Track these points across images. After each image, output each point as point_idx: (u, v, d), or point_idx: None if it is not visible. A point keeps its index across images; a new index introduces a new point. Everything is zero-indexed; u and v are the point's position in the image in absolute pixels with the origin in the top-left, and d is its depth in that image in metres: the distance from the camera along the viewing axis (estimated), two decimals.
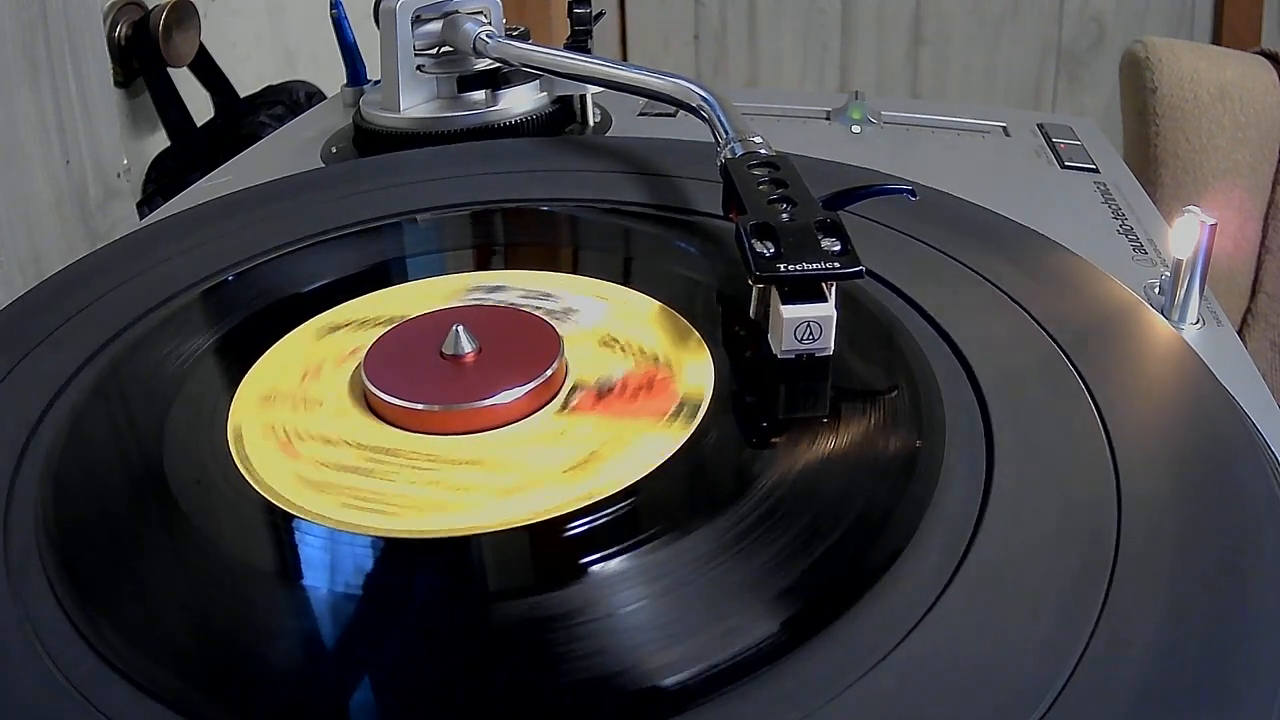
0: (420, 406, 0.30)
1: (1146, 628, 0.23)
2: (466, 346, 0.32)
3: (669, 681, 0.22)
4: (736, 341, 0.34)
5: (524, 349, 0.32)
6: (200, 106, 0.83)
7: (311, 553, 0.27)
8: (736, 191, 0.36)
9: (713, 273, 0.39)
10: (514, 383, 0.31)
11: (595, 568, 0.25)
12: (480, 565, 0.27)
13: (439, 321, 0.33)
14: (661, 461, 0.29)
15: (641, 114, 0.60)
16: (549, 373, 0.31)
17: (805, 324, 0.31)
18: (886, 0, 1.41)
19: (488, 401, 0.30)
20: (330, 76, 0.77)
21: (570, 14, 0.57)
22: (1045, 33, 1.41)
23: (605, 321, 0.35)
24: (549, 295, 0.37)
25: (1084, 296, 0.36)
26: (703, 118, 0.44)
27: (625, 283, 0.38)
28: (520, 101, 0.56)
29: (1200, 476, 0.28)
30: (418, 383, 0.31)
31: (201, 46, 0.82)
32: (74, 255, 0.44)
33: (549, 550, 0.27)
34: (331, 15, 0.64)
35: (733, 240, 0.33)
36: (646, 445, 0.29)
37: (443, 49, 0.56)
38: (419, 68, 0.55)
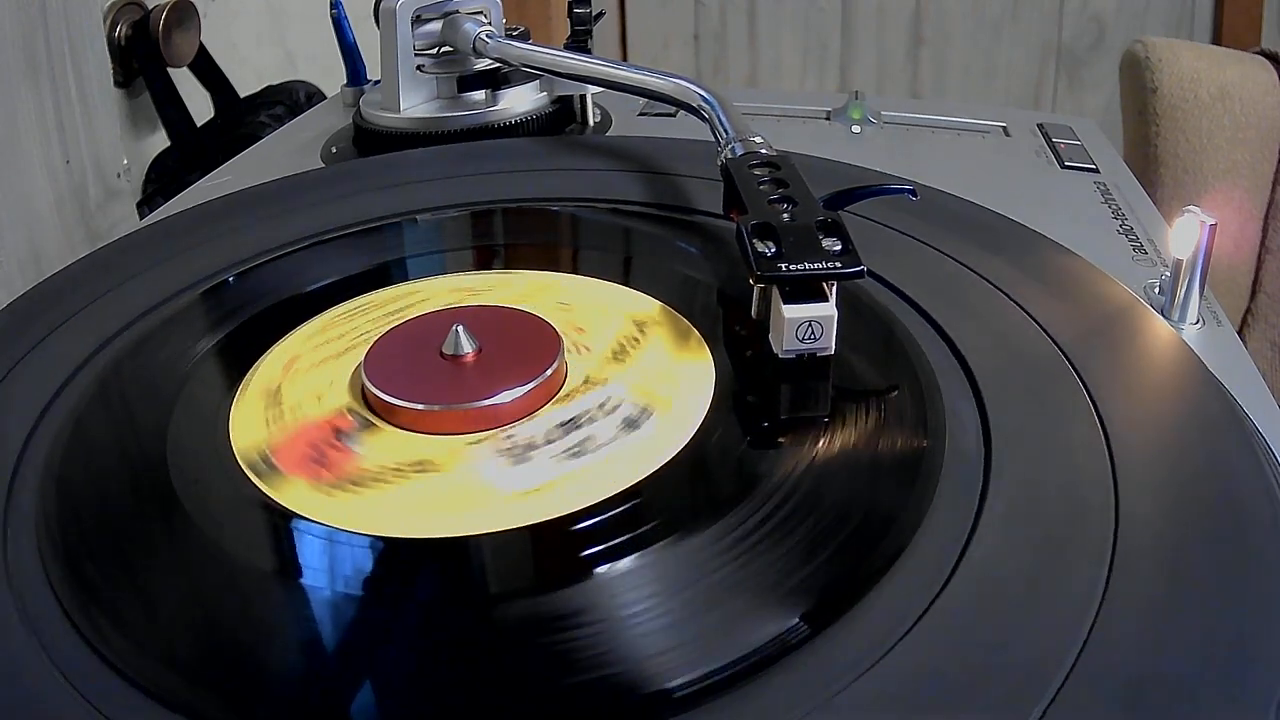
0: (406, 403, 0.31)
1: (1145, 627, 0.23)
2: (466, 347, 0.32)
3: (665, 685, 0.22)
4: (737, 341, 0.34)
5: (524, 349, 0.32)
6: (200, 106, 0.83)
7: (308, 552, 0.27)
8: (737, 191, 0.36)
9: (714, 272, 0.39)
10: (513, 383, 0.31)
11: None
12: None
13: (439, 321, 0.33)
14: None
15: (641, 114, 0.60)
16: (548, 373, 0.31)
17: (807, 324, 0.31)
18: (886, 0, 1.41)
19: (486, 402, 0.30)
20: (330, 76, 0.77)
21: (570, 14, 0.57)
22: (1045, 33, 1.40)
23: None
24: (639, 411, 0.31)
25: (1084, 296, 0.36)
26: (703, 118, 0.44)
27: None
28: (520, 101, 0.56)
29: (1200, 477, 0.28)
30: (415, 382, 0.31)
31: (201, 46, 0.82)
32: (74, 255, 0.44)
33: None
34: (331, 15, 0.64)
35: (734, 239, 0.33)
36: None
37: (443, 49, 0.56)
38: (419, 68, 0.55)
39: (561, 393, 0.32)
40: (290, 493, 0.28)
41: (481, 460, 0.29)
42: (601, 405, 0.31)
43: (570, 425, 0.30)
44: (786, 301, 0.31)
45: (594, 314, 0.36)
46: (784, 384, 0.32)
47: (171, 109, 0.80)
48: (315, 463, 0.29)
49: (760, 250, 0.32)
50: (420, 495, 0.28)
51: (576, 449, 0.29)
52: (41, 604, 0.26)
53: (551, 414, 0.31)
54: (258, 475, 0.29)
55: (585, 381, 0.32)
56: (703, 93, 0.45)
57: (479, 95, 0.55)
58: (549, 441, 0.30)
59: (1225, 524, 0.26)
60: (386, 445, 0.30)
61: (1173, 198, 0.71)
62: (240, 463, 0.30)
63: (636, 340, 0.34)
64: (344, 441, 0.30)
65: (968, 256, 0.38)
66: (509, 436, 0.30)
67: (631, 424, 0.30)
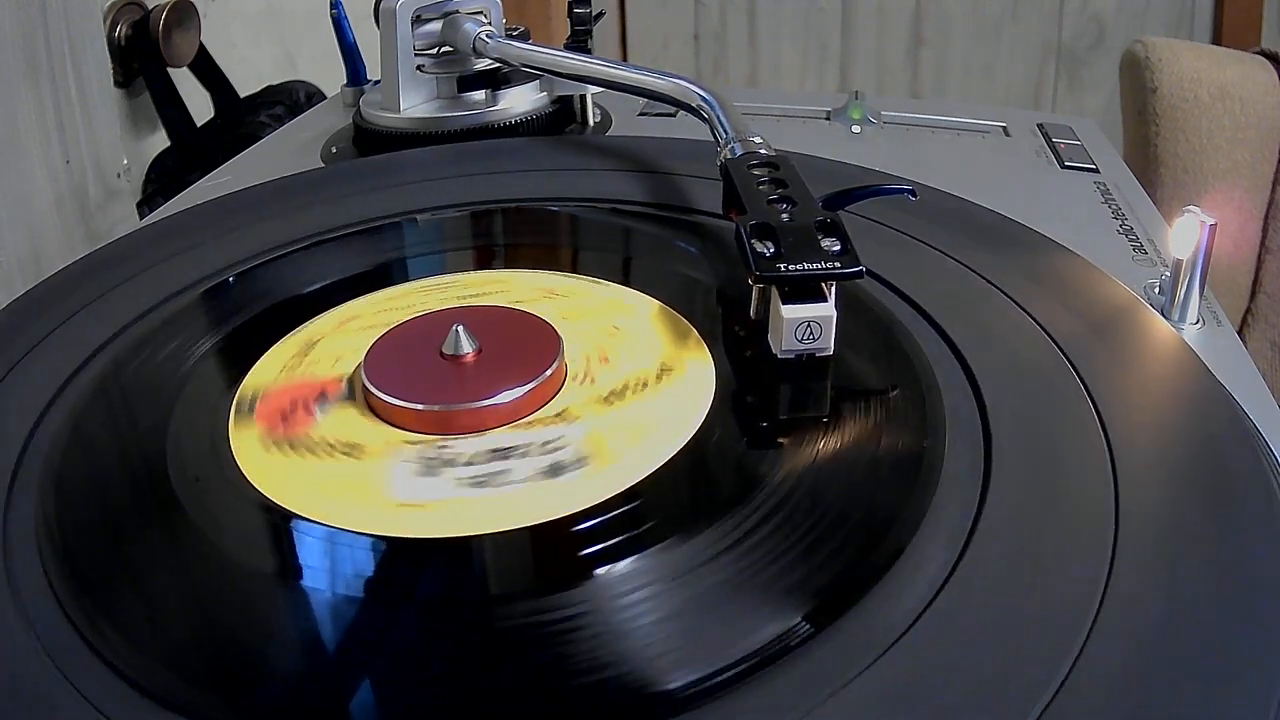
0: (415, 406, 0.30)
1: (1145, 627, 0.23)
2: (466, 347, 0.32)
3: (664, 685, 0.22)
4: (736, 341, 0.34)
5: (524, 349, 0.32)
6: (200, 106, 0.83)
7: (308, 553, 0.27)
8: (736, 191, 0.36)
9: (713, 272, 0.39)
10: (512, 383, 0.31)
11: None
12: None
13: (439, 321, 0.33)
14: None
15: (641, 114, 0.60)
16: (548, 373, 0.31)
17: (805, 324, 0.31)
18: (886, 0, 1.41)
19: (486, 402, 0.30)
20: (330, 76, 0.77)
21: (570, 14, 0.57)
22: (1045, 33, 1.40)
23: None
24: (573, 460, 0.31)
25: (1084, 296, 0.36)
26: (702, 118, 0.44)
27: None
28: (520, 101, 0.56)
29: (1200, 476, 0.28)
30: (416, 382, 0.31)
31: (201, 46, 0.82)
32: (74, 255, 0.44)
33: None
34: (331, 15, 0.64)
35: (733, 239, 0.33)
36: None
37: (443, 49, 0.56)
38: (419, 68, 0.55)
39: (526, 419, 0.30)
40: (243, 434, 0.30)
41: (399, 461, 0.29)
42: (544, 444, 0.30)
43: (499, 455, 0.29)
44: (785, 302, 0.31)
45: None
46: (783, 384, 0.32)
47: (171, 109, 0.80)
48: (281, 416, 0.31)
49: (759, 250, 0.32)
50: (330, 476, 0.29)
51: (483, 480, 0.28)
52: (41, 604, 0.26)
53: (498, 437, 0.30)
54: (236, 412, 0.31)
55: (558, 415, 0.31)
56: (702, 93, 0.45)
57: (479, 95, 0.55)
58: (469, 464, 0.29)
59: (1225, 524, 0.26)
60: (340, 421, 0.31)
61: (1173, 198, 0.71)
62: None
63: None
64: (316, 406, 0.32)
65: (968, 256, 0.38)
66: (442, 446, 0.29)
67: (555, 471, 0.28)
